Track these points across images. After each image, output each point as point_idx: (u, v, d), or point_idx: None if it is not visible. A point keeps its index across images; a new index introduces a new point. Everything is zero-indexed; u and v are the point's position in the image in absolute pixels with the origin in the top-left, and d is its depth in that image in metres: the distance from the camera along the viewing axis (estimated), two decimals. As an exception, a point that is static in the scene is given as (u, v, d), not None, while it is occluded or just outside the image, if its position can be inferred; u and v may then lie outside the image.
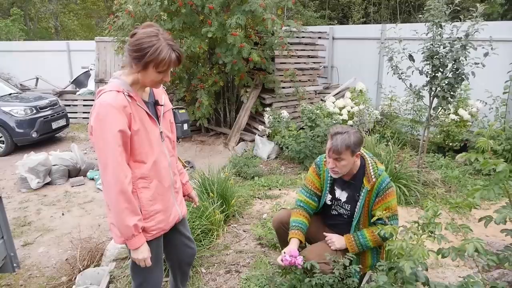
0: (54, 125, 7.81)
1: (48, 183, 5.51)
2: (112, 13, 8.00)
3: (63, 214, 4.64)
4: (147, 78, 1.82)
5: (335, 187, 2.57)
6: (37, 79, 11.71)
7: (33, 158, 5.47)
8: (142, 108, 1.86)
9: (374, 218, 2.28)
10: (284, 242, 2.66)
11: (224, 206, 3.87)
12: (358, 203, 2.45)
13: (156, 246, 2.00)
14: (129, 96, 1.80)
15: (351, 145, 2.31)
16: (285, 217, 2.71)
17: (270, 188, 5.01)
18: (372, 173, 2.40)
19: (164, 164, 1.96)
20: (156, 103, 1.99)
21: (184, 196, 2.29)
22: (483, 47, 4.08)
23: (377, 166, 2.44)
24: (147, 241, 1.89)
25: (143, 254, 1.85)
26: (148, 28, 1.79)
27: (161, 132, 1.96)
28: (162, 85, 2.02)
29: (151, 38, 1.74)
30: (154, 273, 2.05)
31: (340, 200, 2.55)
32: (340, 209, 2.58)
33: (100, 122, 1.73)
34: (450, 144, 5.88)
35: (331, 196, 2.58)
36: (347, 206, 2.53)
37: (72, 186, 5.49)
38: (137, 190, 1.86)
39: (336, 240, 2.48)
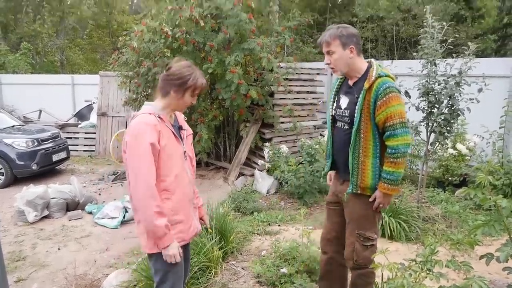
0: (55, 158, 7.84)
1: (45, 217, 5.46)
2: (116, 49, 8.20)
3: (59, 249, 4.58)
4: (182, 101, 2.16)
5: (340, 94, 2.56)
6: (40, 111, 11.86)
7: (32, 190, 5.45)
8: (169, 128, 2.14)
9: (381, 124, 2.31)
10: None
11: (223, 242, 3.81)
12: (357, 106, 2.37)
13: None
14: (159, 117, 2.09)
15: (338, 34, 2.33)
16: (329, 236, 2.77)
17: (269, 224, 4.96)
18: (373, 74, 2.35)
19: (185, 179, 2.21)
20: (180, 128, 2.29)
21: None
22: (477, 83, 4.16)
23: (382, 70, 2.36)
24: None
25: (174, 250, 2.06)
26: (181, 61, 2.18)
27: (184, 152, 2.24)
28: (182, 114, 2.39)
29: (188, 68, 2.14)
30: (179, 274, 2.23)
31: (341, 107, 2.51)
32: (341, 119, 2.52)
33: (134, 136, 2.03)
34: (450, 178, 5.88)
35: (335, 105, 2.57)
36: (347, 112, 2.46)
37: (70, 220, 5.45)
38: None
39: (380, 202, 2.43)
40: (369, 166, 2.41)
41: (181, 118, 2.36)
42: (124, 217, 5.26)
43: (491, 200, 1.76)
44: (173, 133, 2.16)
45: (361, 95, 2.36)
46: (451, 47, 4.24)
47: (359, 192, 2.47)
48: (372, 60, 2.49)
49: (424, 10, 4.37)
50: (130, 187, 2.04)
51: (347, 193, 2.51)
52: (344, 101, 2.52)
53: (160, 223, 1.98)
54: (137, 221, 2.15)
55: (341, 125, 2.55)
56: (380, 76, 2.33)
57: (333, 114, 2.60)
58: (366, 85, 2.34)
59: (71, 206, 5.75)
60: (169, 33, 6.16)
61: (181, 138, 2.25)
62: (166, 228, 2.01)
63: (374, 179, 2.42)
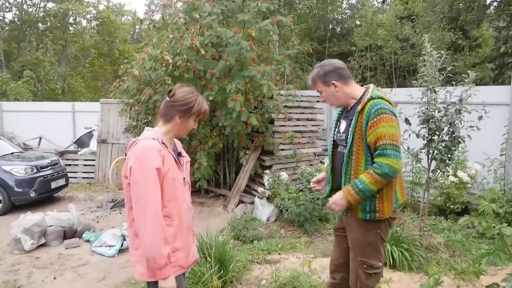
0: (53, 185, 7.78)
1: (42, 245, 5.37)
2: (118, 77, 8.31)
3: (54, 278, 4.47)
4: (185, 127, 2.17)
5: (341, 119, 2.62)
6: (40, 138, 11.89)
7: (29, 218, 5.38)
8: (172, 154, 2.12)
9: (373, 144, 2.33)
10: None
11: (222, 271, 3.74)
12: (350, 128, 2.41)
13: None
14: (162, 143, 2.08)
15: (317, 76, 2.48)
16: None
17: (269, 253, 4.87)
18: (366, 97, 2.39)
19: (184, 206, 2.17)
20: (179, 154, 2.27)
21: None
22: (477, 111, 4.19)
23: (376, 93, 2.41)
24: None
25: (172, 283, 2.00)
26: (184, 87, 2.18)
27: (183, 178, 2.21)
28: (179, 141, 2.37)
29: (193, 94, 2.15)
30: None
31: (340, 131, 2.56)
32: (340, 142, 2.56)
33: (139, 162, 1.97)
34: (451, 206, 5.82)
35: (336, 130, 2.61)
36: (344, 136, 2.50)
37: (67, 248, 5.35)
38: None
39: (334, 201, 2.42)
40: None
41: (179, 144, 2.35)
42: (122, 245, 5.17)
43: (495, 229, 1.73)
44: (174, 159, 2.14)
45: (354, 117, 2.41)
46: (450, 75, 4.28)
47: (349, 214, 2.48)
48: (371, 85, 2.54)
49: (423, 39, 4.45)
50: (135, 213, 1.98)
51: (339, 215, 2.56)
52: (342, 125, 2.58)
53: (165, 251, 1.94)
54: (135, 247, 2.08)
55: (341, 149, 2.60)
56: (372, 98, 2.38)
57: (334, 138, 2.65)
58: (359, 107, 2.39)
59: (69, 234, 5.67)
60: (170, 61, 6.25)
61: (180, 164, 2.23)
62: (168, 257, 1.96)
63: (365, 201, 2.42)
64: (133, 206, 1.98)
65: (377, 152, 2.32)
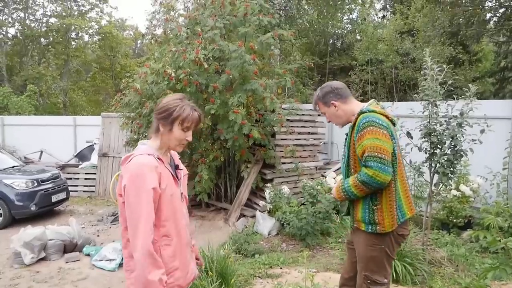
0: (54, 198, 7.76)
1: (42, 259, 5.33)
2: (119, 91, 8.35)
3: (54, 293, 4.43)
4: (173, 137, 2.02)
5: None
6: (41, 152, 11.89)
7: (29, 232, 5.35)
8: (168, 170, 2.03)
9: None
10: None
11: (223, 285, 3.70)
12: (346, 143, 2.51)
13: None
14: (158, 158, 1.98)
15: (317, 98, 2.63)
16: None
17: (271, 267, 4.83)
18: (357, 112, 2.47)
19: (182, 222, 2.09)
20: (176, 167, 2.19)
21: None
22: (479, 124, 4.19)
23: (368, 107, 2.48)
24: None
25: None
26: (172, 96, 2.09)
27: (181, 193, 2.12)
28: (177, 154, 2.25)
29: (176, 100, 2.02)
30: None
31: (344, 148, 2.64)
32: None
33: (134, 180, 1.88)
34: (454, 220, 5.77)
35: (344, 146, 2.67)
36: (344, 151, 2.59)
37: (67, 262, 5.31)
38: (160, 248, 1.95)
39: (334, 188, 2.59)
40: (361, 200, 2.47)
41: (176, 156, 2.27)
42: (122, 259, 5.11)
43: (501, 243, 1.72)
44: (171, 174, 2.06)
45: (348, 132, 2.50)
46: (451, 88, 4.30)
47: (355, 225, 2.54)
48: (371, 100, 2.60)
49: (424, 52, 4.48)
50: (129, 234, 1.89)
51: (351, 227, 2.65)
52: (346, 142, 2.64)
53: (155, 277, 1.83)
54: (130, 269, 1.97)
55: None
56: (363, 112, 2.44)
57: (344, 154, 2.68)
58: (352, 122, 2.48)
59: (69, 247, 5.63)
60: (173, 75, 6.27)
61: (178, 178, 2.16)
62: (160, 283, 1.84)
63: (365, 212, 2.45)
64: (128, 226, 1.90)
65: (362, 164, 2.38)
